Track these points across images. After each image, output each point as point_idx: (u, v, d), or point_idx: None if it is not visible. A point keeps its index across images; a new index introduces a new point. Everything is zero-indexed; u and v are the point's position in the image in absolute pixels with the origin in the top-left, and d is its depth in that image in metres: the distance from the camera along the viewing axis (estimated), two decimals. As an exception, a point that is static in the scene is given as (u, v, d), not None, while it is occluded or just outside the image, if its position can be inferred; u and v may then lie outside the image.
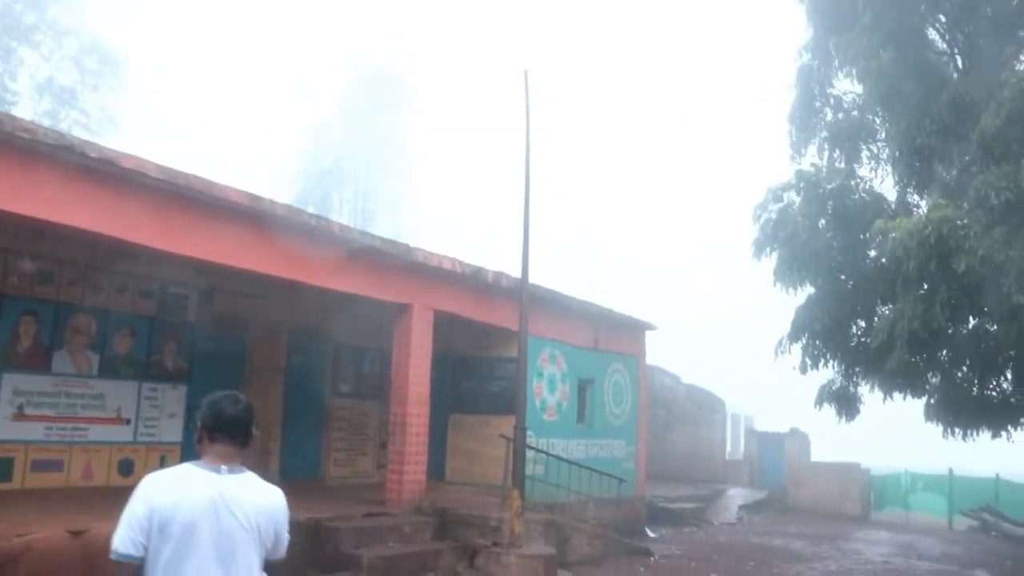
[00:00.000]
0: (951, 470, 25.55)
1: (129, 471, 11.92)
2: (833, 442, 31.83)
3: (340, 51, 56.90)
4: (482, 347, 15.03)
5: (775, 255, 17.48)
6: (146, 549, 3.11)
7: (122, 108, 34.03)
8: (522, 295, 11.24)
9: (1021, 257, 12.15)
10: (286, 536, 3.48)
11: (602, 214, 76.42)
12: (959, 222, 12.81)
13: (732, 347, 54.70)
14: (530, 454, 14.16)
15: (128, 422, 12.13)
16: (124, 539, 3.11)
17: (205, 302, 13.25)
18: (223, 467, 3.32)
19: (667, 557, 14.64)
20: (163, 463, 12.48)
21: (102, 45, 34.17)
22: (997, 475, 24.88)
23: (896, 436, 50.08)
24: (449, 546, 11.05)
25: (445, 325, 13.88)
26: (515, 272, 13.65)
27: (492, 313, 13.65)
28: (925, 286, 13.75)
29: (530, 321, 14.84)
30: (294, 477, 14.08)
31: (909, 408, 18.65)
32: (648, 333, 19.20)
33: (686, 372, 30.06)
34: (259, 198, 9.58)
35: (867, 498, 26.65)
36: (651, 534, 18.02)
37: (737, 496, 25.63)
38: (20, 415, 10.85)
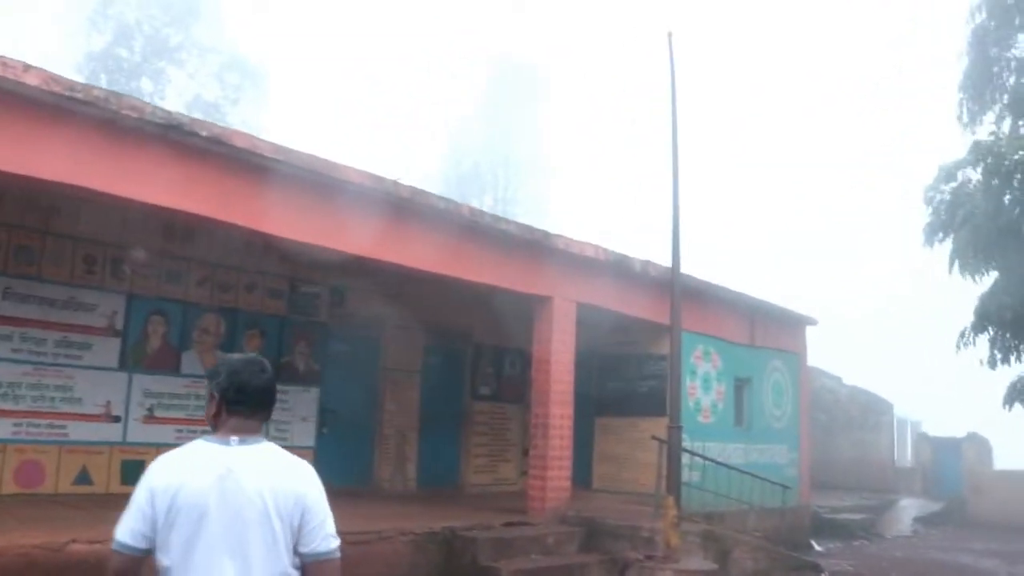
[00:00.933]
0: None
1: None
2: (1018, 449, 29.09)
3: (471, 49, 56.51)
4: (629, 344, 13.92)
5: (951, 240, 15.77)
6: (151, 539, 2.68)
7: (263, 119, 34.64)
8: (672, 284, 10.15)
9: None
10: (326, 523, 2.82)
11: (753, 199, 72.45)
12: None
13: (898, 345, 50.81)
14: (685, 459, 13.03)
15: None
16: (124, 528, 2.70)
17: (337, 301, 12.71)
18: (234, 438, 2.78)
19: (838, 574, 13.19)
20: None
21: (241, 59, 34.91)
22: None
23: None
24: (597, 559, 10.04)
25: (589, 321, 12.93)
26: (664, 261, 12.62)
27: (639, 306, 12.58)
28: None
29: (687, 315, 13.78)
30: (432, 485, 13.44)
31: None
32: (809, 329, 17.66)
33: (849, 373, 28.08)
34: (382, 179, 8.86)
35: (1063, 510, 24.03)
36: (818, 547, 16.50)
37: (910, 507, 23.57)
38: (151, 417, 10.51)
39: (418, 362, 13.75)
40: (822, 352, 28.70)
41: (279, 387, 3.53)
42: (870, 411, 26.83)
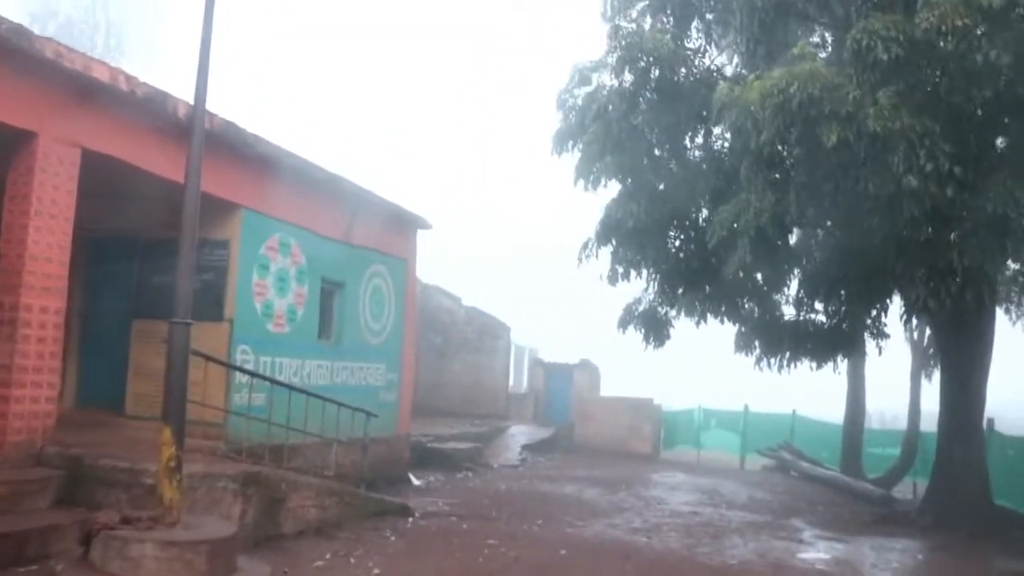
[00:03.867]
0: (747, 406, 23.60)
1: None
2: (626, 377, 29.56)
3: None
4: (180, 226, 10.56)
5: (580, 148, 14.12)
6: None
7: None
8: (195, 122, 6.91)
9: (912, 127, 9.12)
10: None
11: (364, 83, 68.22)
12: (833, 81, 9.63)
13: (517, 265, 50.54)
14: (243, 379, 10.06)
15: None
16: None
17: None
18: None
19: (431, 516, 11.03)
20: None
21: None
22: (793, 411, 23.13)
23: (692, 371, 49.12)
24: (73, 521, 6.81)
25: (124, 189, 9.45)
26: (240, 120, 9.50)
27: (181, 169, 9.24)
28: (778, 173, 10.60)
29: (254, 192, 10.60)
30: None
31: (717, 336, 16.08)
32: (421, 234, 15.27)
33: (466, 293, 26.54)
34: None
35: (658, 436, 24.39)
36: (416, 482, 14.43)
37: (520, 435, 22.56)
38: None
39: None
40: (437, 266, 27.07)
41: None
42: (486, 334, 25.51)
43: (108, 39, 36.22)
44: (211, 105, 9.03)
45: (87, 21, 36.38)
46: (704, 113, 12.49)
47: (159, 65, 34.64)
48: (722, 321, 14.42)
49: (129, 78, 8.24)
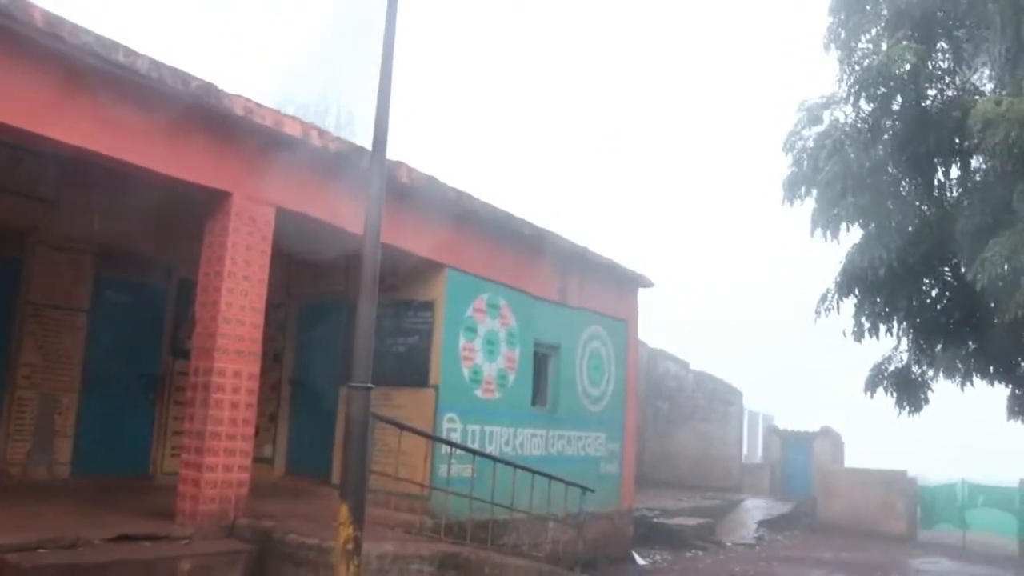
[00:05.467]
0: (1023, 481, 20.54)
1: None
2: (872, 446, 26.87)
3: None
4: (384, 287, 10.18)
5: (815, 194, 12.71)
6: None
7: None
8: (374, 159, 6.31)
9: None
10: None
11: (572, 136, 66.68)
12: None
13: (747, 325, 47.63)
14: (447, 449, 9.38)
15: None
16: None
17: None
18: None
19: (654, 603, 9.89)
20: None
21: None
22: (1083, 489, 19.88)
23: (950, 439, 44.40)
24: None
25: (336, 256, 9.23)
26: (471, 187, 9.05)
27: (389, 228, 8.83)
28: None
29: (459, 250, 10.09)
30: (102, 471, 9.58)
31: (982, 398, 13.92)
32: (642, 295, 14.31)
33: (693, 357, 25.11)
34: None
35: (914, 513, 21.65)
36: (640, 561, 13.31)
37: (755, 509, 20.78)
38: None
39: (84, 298, 9.68)
40: (661, 331, 25.81)
41: None
42: (717, 400, 23.95)
43: (339, 118, 38.45)
44: (401, 157, 8.71)
45: (319, 104, 38.83)
46: (957, 141, 10.84)
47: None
48: (991, 383, 12.37)
49: (322, 133, 7.96)
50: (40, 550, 5.89)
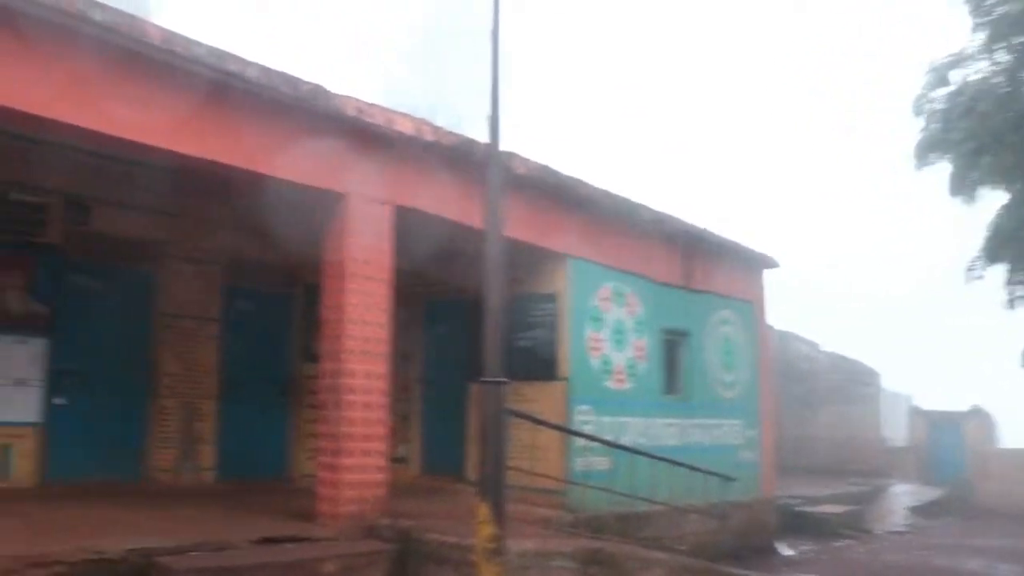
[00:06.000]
0: None
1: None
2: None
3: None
4: (510, 281, 9.99)
5: (948, 160, 12.04)
6: None
7: None
8: (491, 152, 6.09)
9: None
10: None
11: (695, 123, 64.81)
12: None
13: (878, 301, 44.98)
14: (580, 442, 9.19)
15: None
16: None
17: (76, 216, 8.84)
18: None
19: (806, 594, 9.45)
20: (7, 456, 8.21)
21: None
22: None
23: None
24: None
25: (460, 251, 9.11)
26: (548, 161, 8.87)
27: (510, 222, 8.65)
28: None
29: (580, 239, 9.84)
30: (243, 474, 9.81)
31: None
32: (767, 274, 13.76)
33: (823, 338, 24.18)
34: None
35: (1081, 497, 20.29)
36: (786, 552, 12.79)
37: (904, 495, 19.83)
38: None
39: (216, 307, 9.89)
40: (783, 310, 24.87)
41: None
42: (854, 382, 22.98)
43: (448, 120, 38.86)
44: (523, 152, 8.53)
45: (427, 108, 39.40)
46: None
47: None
48: None
49: (435, 128, 7.86)
50: (191, 553, 5.98)
